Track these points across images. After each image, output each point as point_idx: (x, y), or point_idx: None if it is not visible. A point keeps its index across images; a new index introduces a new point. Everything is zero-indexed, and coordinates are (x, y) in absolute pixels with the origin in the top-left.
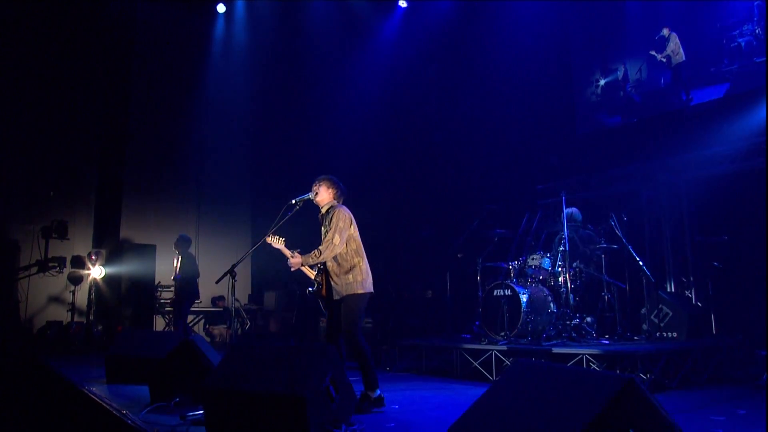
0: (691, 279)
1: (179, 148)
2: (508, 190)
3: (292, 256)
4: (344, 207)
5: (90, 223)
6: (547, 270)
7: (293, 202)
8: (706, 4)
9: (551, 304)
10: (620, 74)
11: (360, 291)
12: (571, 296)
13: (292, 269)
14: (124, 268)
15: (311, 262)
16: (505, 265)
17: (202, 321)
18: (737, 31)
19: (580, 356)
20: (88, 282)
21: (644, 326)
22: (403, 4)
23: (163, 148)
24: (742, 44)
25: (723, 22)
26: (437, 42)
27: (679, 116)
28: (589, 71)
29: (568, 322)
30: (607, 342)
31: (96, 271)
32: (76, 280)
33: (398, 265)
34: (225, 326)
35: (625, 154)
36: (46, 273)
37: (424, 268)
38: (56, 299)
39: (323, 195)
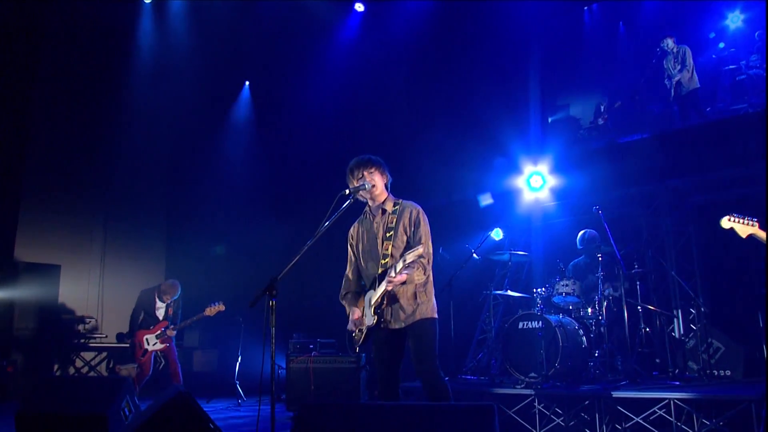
0: (702, 310)
1: (88, 156)
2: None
3: (392, 271)
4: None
5: None
6: (579, 299)
7: (347, 192)
8: (692, 31)
9: (583, 339)
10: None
11: (435, 315)
12: (603, 329)
13: (390, 287)
14: (18, 292)
15: (417, 279)
16: (512, 294)
17: (107, 360)
18: (743, 62)
19: (665, 401)
20: None
21: (691, 363)
22: (359, 8)
23: (69, 156)
24: (753, 75)
25: (719, 53)
26: (403, 51)
27: (682, 137)
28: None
29: (612, 360)
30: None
31: None
32: None
33: None
34: (133, 366)
35: (625, 175)
36: None
37: None
38: None
39: (380, 184)
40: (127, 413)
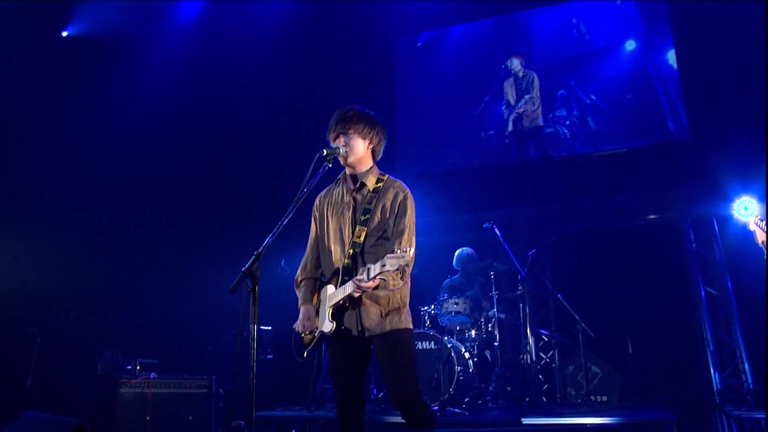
0: (554, 341)
1: None
2: None
3: (364, 273)
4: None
5: None
6: (468, 319)
7: (324, 152)
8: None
9: (470, 362)
10: None
11: (410, 326)
12: (487, 352)
13: (356, 295)
14: None
15: (393, 286)
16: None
17: None
18: (550, 116)
19: (581, 427)
20: None
21: (570, 389)
22: None
23: None
24: (568, 134)
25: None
26: (257, 44)
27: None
28: None
29: (498, 386)
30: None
31: None
32: None
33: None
34: None
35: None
36: None
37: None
38: None
39: (359, 149)
40: None
